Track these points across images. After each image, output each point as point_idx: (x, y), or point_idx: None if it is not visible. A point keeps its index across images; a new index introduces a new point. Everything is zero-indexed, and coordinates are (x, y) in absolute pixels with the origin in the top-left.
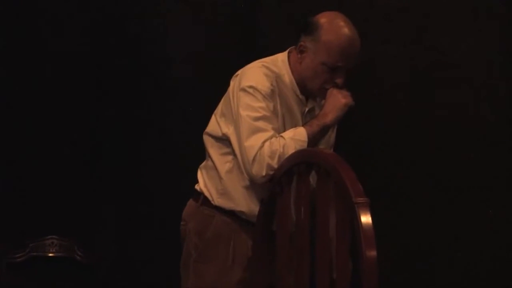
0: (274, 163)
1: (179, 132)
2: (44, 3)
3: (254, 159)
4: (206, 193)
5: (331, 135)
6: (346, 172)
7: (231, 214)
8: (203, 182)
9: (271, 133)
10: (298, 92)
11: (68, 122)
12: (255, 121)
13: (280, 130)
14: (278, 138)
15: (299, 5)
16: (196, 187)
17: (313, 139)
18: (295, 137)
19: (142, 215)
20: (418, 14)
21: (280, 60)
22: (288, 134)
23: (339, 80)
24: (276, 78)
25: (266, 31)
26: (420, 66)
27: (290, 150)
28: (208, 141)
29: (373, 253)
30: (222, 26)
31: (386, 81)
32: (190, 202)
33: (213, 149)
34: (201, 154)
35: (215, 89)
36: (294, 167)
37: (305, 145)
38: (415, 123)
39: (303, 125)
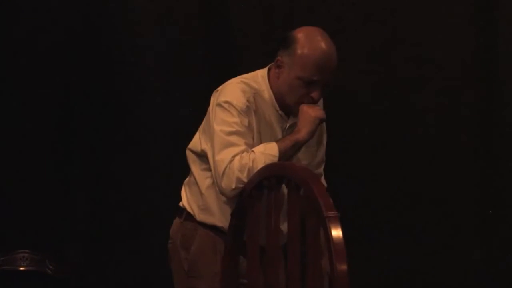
0: (244, 177)
1: (154, 143)
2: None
3: (224, 173)
4: (189, 209)
5: (319, 151)
6: (317, 185)
7: (214, 228)
8: (186, 198)
9: (242, 147)
10: (277, 107)
11: (38, 134)
12: (228, 135)
13: (255, 145)
14: (249, 153)
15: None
16: (180, 203)
17: (285, 155)
18: (266, 152)
19: (114, 229)
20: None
21: (260, 76)
22: (259, 148)
23: (314, 94)
24: (255, 94)
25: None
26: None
27: (260, 164)
28: (190, 156)
29: (343, 266)
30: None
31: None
32: (176, 220)
33: (194, 165)
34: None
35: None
36: (264, 181)
37: (275, 159)
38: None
39: (276, 141)
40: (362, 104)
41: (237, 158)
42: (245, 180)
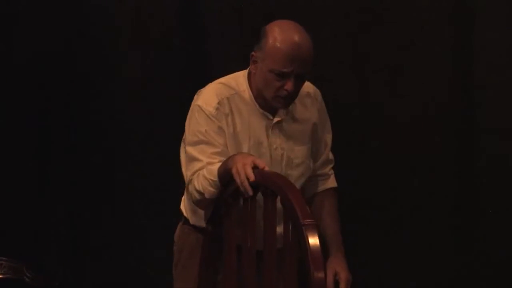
0: (197, 198)
1: (132, 154)
2: None
3: (187, 189)
4: (185, 213)
5: (319, 150)
6: (293, 193)
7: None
8: (183, 203)
9: (203, 163)
10: (257, 106)
11: (15, 143)
12: (194, 146)
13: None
14: (202, 172)
15: None
16: (180, 207)
17: (224, 178)
18: (206, 176)
19: (93, 237)
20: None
21: (241, 76)
22: (204, 171)
23: (287, 86)
24: (233, 96)
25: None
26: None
27: (206, 188)
28: (182, 161)
29: (320, 274)
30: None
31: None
32: (179, 224)
33: (184, 169)
34: (145, 180)
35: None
36: (240, 188)
37: (215, 183)
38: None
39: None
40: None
41: (195, 177)
42: (198, 198)
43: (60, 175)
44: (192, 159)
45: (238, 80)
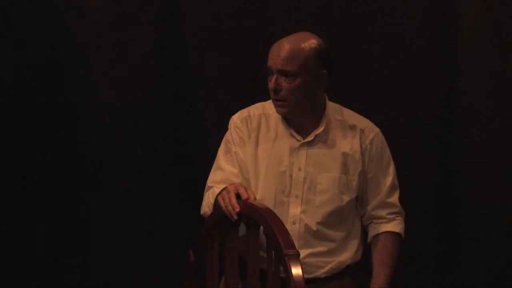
0: (202, 210)
1: (115, 178)
2: None
3: (203, 196)
4: None
5: (369, 182)
6: (276, 223)
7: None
8: None
9: (223, 175)
10: (288, 127)
11: None
12: (220, 155)
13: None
14: (211, 190)
15: None
16: None
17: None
18: (210, 196)
19: (76, 260)
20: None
21: None
22: (210, 191)
23: (269, 84)
24: (267, 115)
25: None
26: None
27: (204, 205)
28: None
29: None
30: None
31: None
32: None
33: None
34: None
35: None
36: (223, 219)
37: (212, 205)
38: None
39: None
40: None
41: (210, 191)
42: (201, 211)
43: (42, 196)
44: (217, 167)
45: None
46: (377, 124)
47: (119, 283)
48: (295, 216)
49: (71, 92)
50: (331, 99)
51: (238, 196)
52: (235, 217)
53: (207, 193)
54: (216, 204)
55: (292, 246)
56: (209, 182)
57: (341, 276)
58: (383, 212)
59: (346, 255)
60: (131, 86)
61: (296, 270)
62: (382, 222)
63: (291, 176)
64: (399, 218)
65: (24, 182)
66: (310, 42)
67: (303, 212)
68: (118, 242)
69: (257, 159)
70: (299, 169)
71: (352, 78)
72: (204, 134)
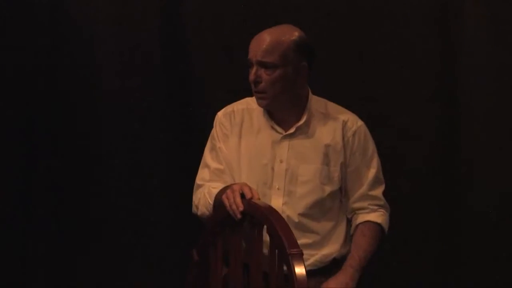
0: (193, 207)
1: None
2: None
3: (194, 191)
4: None
5: (352, 174)
6: (280, 222)
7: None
8: None
9: (210, 171)
10: (270, 120)
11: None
12: (207, 152)
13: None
14: (204, 190)
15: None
16: None
17: (217, 205)
18: (207, 196)
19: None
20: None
21: None
22: (205, 191)
23: (249, 76)
24: (251, 110)
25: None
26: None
27: (202, 206)
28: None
29: None
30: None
31: None
32: None
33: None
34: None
35: None
36: (226, 219)
37: (211, 206)
38: None
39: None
40: None
41: (207, 191)
42: (195, 211)
43: (42, 202)
44: (204, 165)
45: None
46: (378, 123)
47: (121, 283)
48: (277, 208)
49: (73, 92)
50: (332, 99)
51: (242, 195)
52: (239, 216)
53: (203, 193)
54: (217, 204)
55: (296, 245)
56: (198, 180)
57: (327, 271)
58: (365, 203)
59: (331, 248)
60: (133, 86)
61: (300, 269)
62: (363, 213)
63: (273, 168)
64: (382, 210)
65: (25, 182)
66: (290, 34)
67: (285, 204)
68: (120, 241)
69: (240, 153)
70: (281, 161)
71: (354, 77)
72: (206, 133)
